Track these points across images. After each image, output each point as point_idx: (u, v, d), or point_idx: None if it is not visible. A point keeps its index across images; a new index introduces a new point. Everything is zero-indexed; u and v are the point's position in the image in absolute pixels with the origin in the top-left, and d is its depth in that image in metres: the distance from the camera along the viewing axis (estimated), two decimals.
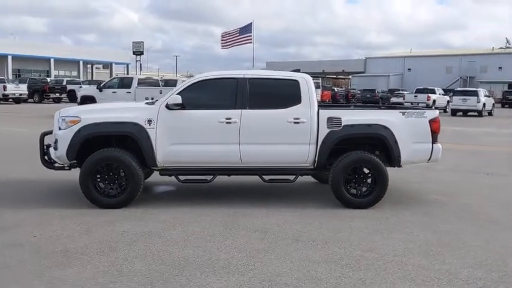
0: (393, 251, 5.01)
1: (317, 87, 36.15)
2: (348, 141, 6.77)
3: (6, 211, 6.25)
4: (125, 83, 21.94)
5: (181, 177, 6.69)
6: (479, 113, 30.99)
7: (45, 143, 6.86)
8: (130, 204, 6.46)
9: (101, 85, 22.45)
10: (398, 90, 54.24)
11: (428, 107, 34.01)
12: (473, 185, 8.55)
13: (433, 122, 6.84)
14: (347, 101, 37.98)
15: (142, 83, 21.98)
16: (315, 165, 6.74)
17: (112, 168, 6.45)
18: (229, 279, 4.21)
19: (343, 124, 6.64)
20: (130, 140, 6.56)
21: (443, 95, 37.99)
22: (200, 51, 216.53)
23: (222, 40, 69.38)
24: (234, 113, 6.56)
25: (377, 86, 56.82)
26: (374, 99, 48.34)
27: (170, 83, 24.15)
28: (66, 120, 6.48)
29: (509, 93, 47.53)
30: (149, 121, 6.46)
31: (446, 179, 8.96)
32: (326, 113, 6.71)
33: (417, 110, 6.99)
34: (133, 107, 7.05)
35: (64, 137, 6.43)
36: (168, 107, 6.49)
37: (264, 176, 6.80)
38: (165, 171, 6.70)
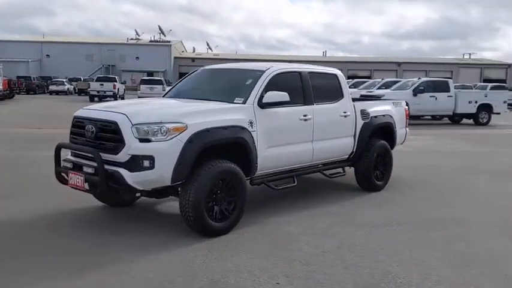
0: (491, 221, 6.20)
1: None
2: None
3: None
4: None
5: (272, 184, 5.90)
6: None
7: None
8: None
9: None
10: (53, 77, 51.66)
11: (114, 94, 34.44)
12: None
13: (406, 110, 8.21)
14: (19, 89, 33.95)
15: None
16: (351, 156, 7.08)
17: (222, 185, 5.09)
18: (482, 280, 4.24)
19: (370, 116, 7.22)
20: (226, 147, 5.28)
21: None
22: None
23: None
24: (308, 109, 6.21)
25: (18, 72, 51.90)
26: (31, 87, 44.55)
27: None
28: (167, 128, 4.68)
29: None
30: (251, 123, 5.40)
31: None
32: (358, 106, 7.12)
33: (398, 101, 8.19)
34: (225, 107, 5.48)
35: (168, 151, 4.66)
36: (261, 105, 5.56)
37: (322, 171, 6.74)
38: (255, 180, 5.72)
